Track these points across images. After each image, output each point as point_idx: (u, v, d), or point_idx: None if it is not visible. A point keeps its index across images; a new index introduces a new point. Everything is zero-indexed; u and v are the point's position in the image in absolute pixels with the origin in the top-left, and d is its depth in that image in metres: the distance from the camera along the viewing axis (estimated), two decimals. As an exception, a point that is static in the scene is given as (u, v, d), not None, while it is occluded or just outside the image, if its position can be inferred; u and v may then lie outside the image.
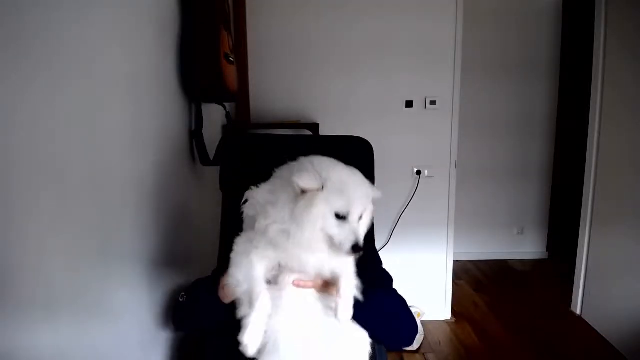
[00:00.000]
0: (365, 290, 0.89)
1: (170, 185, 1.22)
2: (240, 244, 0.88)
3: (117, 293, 0.91)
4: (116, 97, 0.90)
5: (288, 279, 0.88)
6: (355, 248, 0.80)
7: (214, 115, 1.77)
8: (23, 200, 0.60)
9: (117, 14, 0.91)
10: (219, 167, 1.31)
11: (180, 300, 1.04)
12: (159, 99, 1.16)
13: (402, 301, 1.03)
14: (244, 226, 0.90)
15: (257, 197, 0.87)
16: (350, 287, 0.85)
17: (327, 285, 0.89)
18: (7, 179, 0.57)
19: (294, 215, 0.81)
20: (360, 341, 0.94)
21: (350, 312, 0.84)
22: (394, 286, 1.12)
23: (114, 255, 0.89)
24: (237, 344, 0.93)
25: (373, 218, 0.93)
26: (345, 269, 0.87)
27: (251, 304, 0.81)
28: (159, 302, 1.13)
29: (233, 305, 0.94)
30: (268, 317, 0.82)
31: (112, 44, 0.88)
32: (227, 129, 1.91)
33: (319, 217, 0.80)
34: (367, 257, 0.91)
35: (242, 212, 0.89)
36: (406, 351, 2.39)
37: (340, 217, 0.81)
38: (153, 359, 1.12)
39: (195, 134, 1.42)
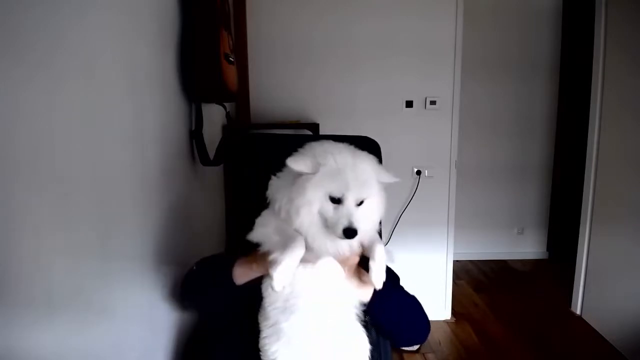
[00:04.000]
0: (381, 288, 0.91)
1: (170, 185, 1.22)
2: (265, 214, 0.92)
3: (118, 292, 0.91)
4: (116, 97, 0.90)
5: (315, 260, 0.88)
6: (347, 232, 0.80)
7: (214, 115, 1.76)
8: (23, 199, 0.60)
9: (117, 14, 0.91)
10: (220, 167, 1.31)
11: (194, 268, 1.04)
12: (159, 98, 1.16)
13: (414, 298, 1.04)
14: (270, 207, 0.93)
15: (273, 183, 0.91)
16: (382, 253, 0.87)
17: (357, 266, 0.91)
18: (7, 178, 0.57)
19: (290, 198, 0.84)
20: (361, 340, 0.95)
21: (383, 276, 0.86)
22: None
23: (114, 254, 0.89)
24: (244, 347, 0.93)
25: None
26: (375, 238, 0.90)
27: (287, 245, 0.82)
28: (159, 301, 1.13)
29: (242, 289, 0.95)
30: (298, 260, 0.83)
31: (112, 44, 0.88)
32: (227, 129, 1.91)
33: (314, 200, 0.82)
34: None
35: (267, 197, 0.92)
36: (406, 351, 2.39)
37: (335, 200, 0.82)
38: (155, 358, 1.12)
39: (195, 134, 1.42)
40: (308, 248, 0.85)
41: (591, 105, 2.63)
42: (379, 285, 0.86)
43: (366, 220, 0.85)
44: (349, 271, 0.92)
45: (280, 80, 2.51)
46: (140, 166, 1.02)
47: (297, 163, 0.83)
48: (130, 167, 0.97)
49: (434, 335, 2.56)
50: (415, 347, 2.41)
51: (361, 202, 0.85)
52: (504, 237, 3.80)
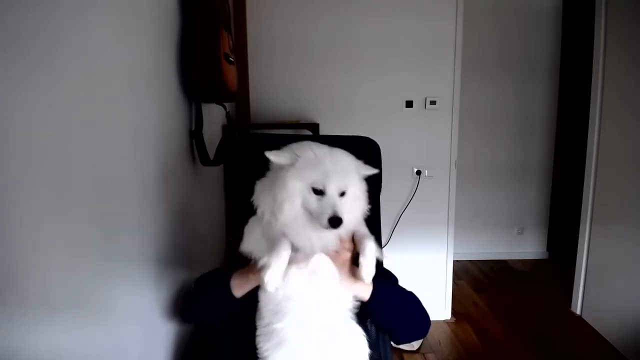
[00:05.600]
0: (379, 284, 0.91)
1: (170, 185, 1.22)
2: (252, 222, 0.93)
3: (117, 292, 0.91)
4: (116, 97, 0.90)
5: (304, 259, 0.88)
6: (333, 221, 0.80)
7: (214, 115, 1.76)
8: (23, 200, 0.60)
9: (117, 14, 0.91)
10: (220, 167, 1.31)
11: (192, 287, 1.05)
12: (159, 98, 1.16)
13: (413, 294, 1.05)
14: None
15: (257, 187, 0.91)
16: (372, 248, 0.87)
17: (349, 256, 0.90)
18: (6, 178, 0.57)
19: (273, 195, 0.84)
20: (359, 340, 0.95)
21: (373, 271, 0.85)
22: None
23: (113, 254, 0.89)
24: (243, 347, 0.93)
25: (382, 204, 0.92)
26: (365, 233, 0.90)
27: (272, 249, 0.83)
28: (159, 301, 1.13)
29: (242, 299, 0.96)
30: (286, 261, 0.83)
31: (112, 44, 0.88)
32: (227, 129, 1.91)
33: (295, 192, 0.83)
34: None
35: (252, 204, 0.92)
36: (406, 351, 2.39)
37: (317, 191, 0.83)
38: (155, 358, 1.12)
39: (195, 134, 1.42)
40: (294, 247, 0.85)
41: (591, 105, 2.63)
42: (368, 280, 0.86)
43: (350, 210, 0.86)
44: (342, 268, 0.91)
45: (280, 80, 2.51)
46: (140, 166, 1.02)
47: (275, 155, 0.85)
48: (130, 167, 0.97)
49: (434, 335, 2.56)
50: (416, 347, 2.41)
51: (343, 194, 0.85)
52: (504, 237, 3.80)
